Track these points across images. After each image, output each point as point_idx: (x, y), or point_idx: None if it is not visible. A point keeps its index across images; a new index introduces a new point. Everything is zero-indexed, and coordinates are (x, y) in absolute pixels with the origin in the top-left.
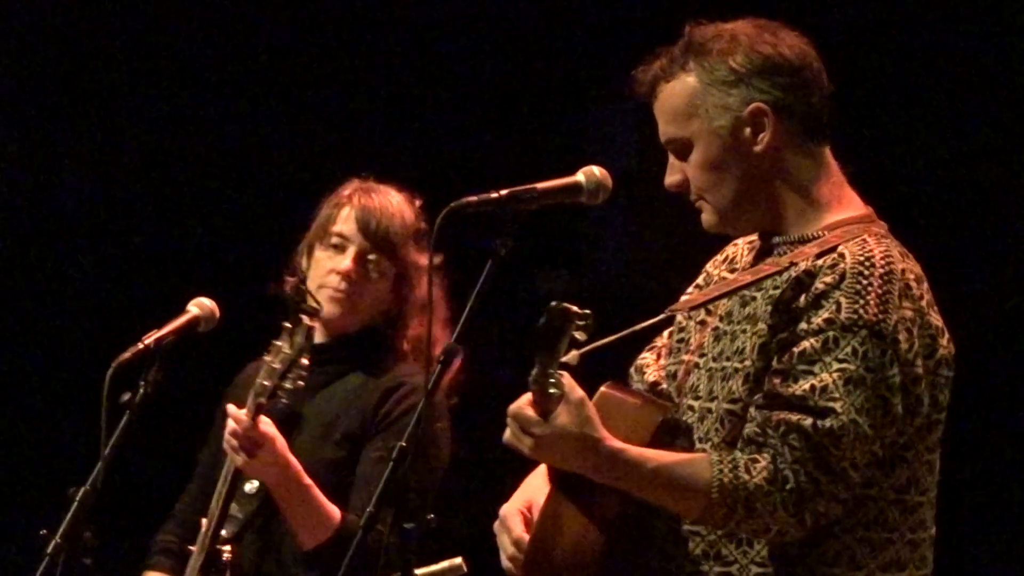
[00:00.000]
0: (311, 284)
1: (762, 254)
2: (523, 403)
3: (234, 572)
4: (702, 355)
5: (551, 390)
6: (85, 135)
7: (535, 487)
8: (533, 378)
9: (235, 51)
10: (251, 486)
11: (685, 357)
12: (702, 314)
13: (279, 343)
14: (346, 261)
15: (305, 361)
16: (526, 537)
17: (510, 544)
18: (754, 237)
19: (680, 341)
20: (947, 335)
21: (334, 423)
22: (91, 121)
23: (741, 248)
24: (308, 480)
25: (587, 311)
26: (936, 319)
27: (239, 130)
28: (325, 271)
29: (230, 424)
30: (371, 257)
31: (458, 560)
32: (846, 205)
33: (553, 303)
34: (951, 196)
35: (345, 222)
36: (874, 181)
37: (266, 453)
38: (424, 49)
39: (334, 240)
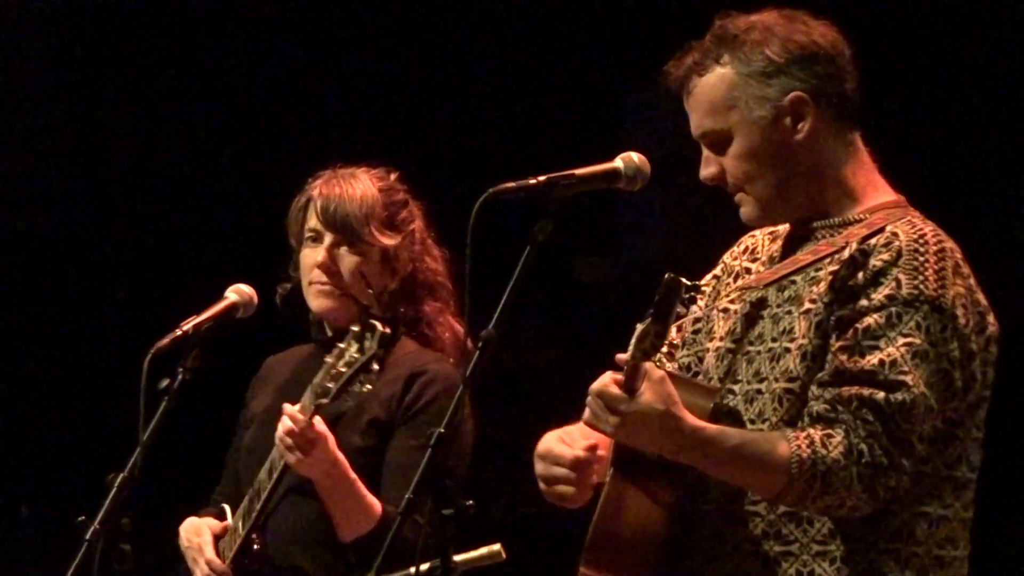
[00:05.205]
0: (303, 283)
1: (796, 240)
2: (607, 381)
3: (262, 560)
4: (735, 340)
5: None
6: (127, 119)
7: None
8: (644, 350)
9: (288, 36)
10: (264, 474)
11: (709, 345)
12: (724, 302)
13: (342, 345)
14: (320, 253)
15: (376, 367)
16: (572, 449)
17: (561, 452)
18: (774, 228)
19: (697, 332)
20: (992, 314)
21: (358, 411)
22: (133, 105)
23: (760, 239)
24: (353, 475)
25: (697, 282)
26: (983, 298)
27: (281, 117)
28: (309, 267)
29: (285, 423)
30: (341, 248)
31: (496, 546)
32: (880, 191)
33: (668, 274)
34: (977, 184)
35: (312, 217)
36: (901, 168)
37: (319, 451)
38: (463, 34)
39: (310, 235)
